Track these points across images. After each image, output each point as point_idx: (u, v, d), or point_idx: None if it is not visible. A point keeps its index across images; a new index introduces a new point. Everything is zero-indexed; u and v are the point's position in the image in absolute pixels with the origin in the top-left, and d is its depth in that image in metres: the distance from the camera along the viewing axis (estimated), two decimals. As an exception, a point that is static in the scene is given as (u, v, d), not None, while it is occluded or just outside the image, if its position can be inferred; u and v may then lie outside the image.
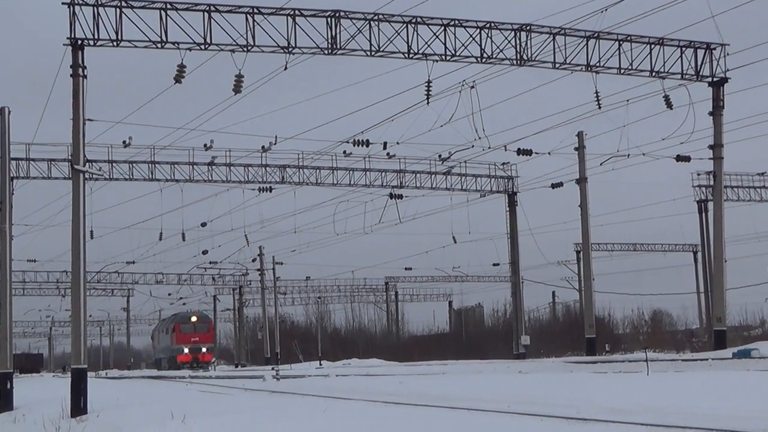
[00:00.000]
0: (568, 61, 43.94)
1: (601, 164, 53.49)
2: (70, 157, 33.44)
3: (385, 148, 51.62)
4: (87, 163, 25.01)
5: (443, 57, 41.16)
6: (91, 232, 51.69)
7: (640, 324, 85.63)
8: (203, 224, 63.50)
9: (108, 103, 63.41)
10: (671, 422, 12.11)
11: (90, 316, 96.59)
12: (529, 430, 12.52)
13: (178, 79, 35.20)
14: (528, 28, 42.85)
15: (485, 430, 12.72)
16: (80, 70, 26.16)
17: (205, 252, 72.25)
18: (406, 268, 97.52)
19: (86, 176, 26.27)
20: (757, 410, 12.98)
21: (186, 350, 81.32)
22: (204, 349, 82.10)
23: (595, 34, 43.95)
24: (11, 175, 35.62)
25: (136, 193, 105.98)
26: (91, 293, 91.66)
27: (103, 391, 26.94)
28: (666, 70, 45.80)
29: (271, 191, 57.81)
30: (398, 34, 40.07)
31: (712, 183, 50.88)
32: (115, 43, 33.44)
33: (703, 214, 63.65)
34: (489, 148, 49.26)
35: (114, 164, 53.58)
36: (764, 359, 36.12)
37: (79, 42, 27.02)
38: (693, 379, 22.47)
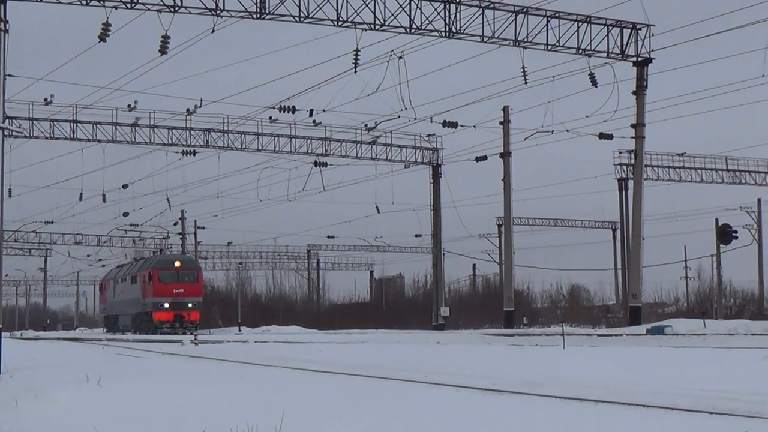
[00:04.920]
0: (496, 36, 44.21)
1: (525, 139, 54.11)
2: (-11, 113, 32.75)
3: (311, 115, 51.60)
4: (6, 120, 24.53)
5: (372, 26, 41.12)
6: (10, 190, 50.93)
7: (558, 298, 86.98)
8: (125, 186, 62.89)
9: (29, 60, 62.26)
10: (585, 395, 12.30)
11: (6, 275, 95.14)
12: (445, 400, 12.62)
13: (102, 37, 34.70)
14: (458, 0, 42.96)
15: (401, 398, 12.79)
16: (1, 24, 25.58)
17: (126, 214, 71.57)
18: (328, 237, 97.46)
19: (5, 133, 25.77)
20: (668, 385, 13.25)
21: (166, 305, 62.63)
22: (190, 305, 63.56)
23: (524, 10, 44.25)
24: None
25: (56, 152, 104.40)
26: (7, 252, 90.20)
27: (17, 352, 26.55)
28: (592, 48, 46.33)
29: (194, 155, 57.44)
30: (327, 0, 39.91)
31: (633, 162, 51.61)
32: (38, -2, 32.80)
33: (623, 192, 64.55)
34: (415, 119, 49.60)
35: (34, 122, 52.69)
36: (677, 336, 36.91)
37: (1, -5, 26.38)
38: (607, 354, 22.83)
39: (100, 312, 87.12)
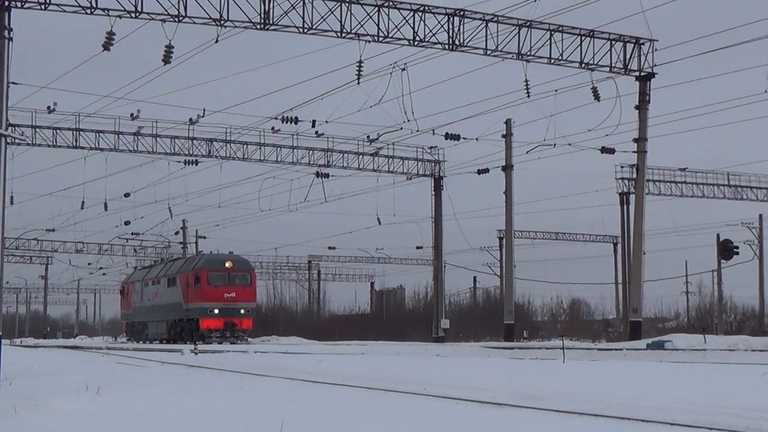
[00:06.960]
0: (499, 49, 44.26)
1: (527, 152, 54.13)
2: (-8, 121, 32.79)
3: (313, 126, 51.62)
4: (9, 127, 24.56)
5: (376, 38, 41.19)
6: (12, 197, 50.97)
7: (558, 312, 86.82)
8: (126, 194, 62.95)
9: (33, 68, 62.39)
10: (584, 409, 12.28)
11: (7, 282, 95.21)
12: (445, 412, 12.61)
13: (106, 46, 34.77)
14: (461, 13, 43.07)
15: (400, 410, 12.79)
16: (6, 32, 25.66)
17: (127, 223, 71.71)
18: (329, 248, 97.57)
19: (8, 140, 25.81)
20: (668, 400, 13.24)
21: (216, 311, 56.16)
22: (243, 311, 57.10)
23: (527, 23, 44.29)
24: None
25: (59, 160, 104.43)
26: (8, 260, 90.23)
27: (17, 359, 26.56)
28: (595, 62, 46.35)
29: (197, 164, 57.43)
30: (332, 12, 40.00)
31: (634, 176, 51.60)
32: (43, 7, 32.91)
33: (625, 207, 64.49)
34: (417, 131, 49.65)
35: (37, 129, 52.74)
36: (677, 351, 36.87)
37: (6, 3, 26.48)
38: (607, 368, 22.82)
39: (122, 318, 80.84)
